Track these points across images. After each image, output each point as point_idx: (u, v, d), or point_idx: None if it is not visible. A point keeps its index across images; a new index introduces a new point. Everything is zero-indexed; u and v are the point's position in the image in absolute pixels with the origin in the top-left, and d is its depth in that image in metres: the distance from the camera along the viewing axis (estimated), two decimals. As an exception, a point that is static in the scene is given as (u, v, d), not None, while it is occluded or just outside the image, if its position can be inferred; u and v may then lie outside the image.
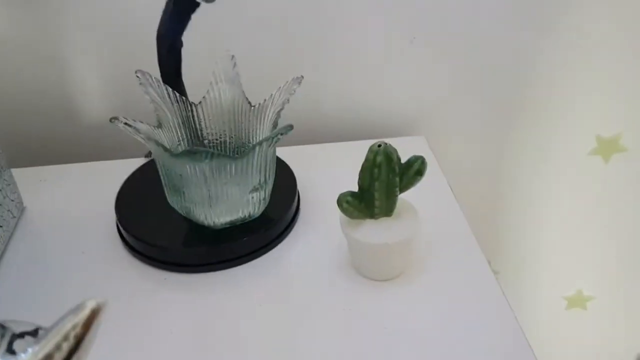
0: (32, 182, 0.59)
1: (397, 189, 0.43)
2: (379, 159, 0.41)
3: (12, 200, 0.54)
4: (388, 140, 0.65)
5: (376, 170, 0.41)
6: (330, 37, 0.63)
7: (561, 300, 0.88)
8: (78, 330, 0.19)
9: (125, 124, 0.41)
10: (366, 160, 0.41)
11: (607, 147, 0.72)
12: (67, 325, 0.19)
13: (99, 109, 0.66)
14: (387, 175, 0.41)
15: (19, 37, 0.60)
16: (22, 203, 0.56)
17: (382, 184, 0.42)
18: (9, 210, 0.53)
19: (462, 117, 0.70)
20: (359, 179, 0.42)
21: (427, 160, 0.64)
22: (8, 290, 0.48)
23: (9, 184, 0.53)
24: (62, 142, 0.67)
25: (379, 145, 0.41)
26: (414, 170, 0.43)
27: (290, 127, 0.42)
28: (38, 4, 0.58)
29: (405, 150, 0.63)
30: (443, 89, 0.67)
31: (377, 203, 0.43)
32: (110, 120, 0.41)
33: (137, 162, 0.60)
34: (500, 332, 0.43)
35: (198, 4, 0.43)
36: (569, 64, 0.66)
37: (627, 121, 0.70)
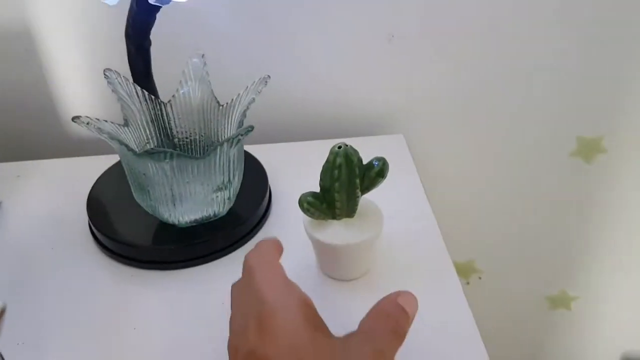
0: (9, 177, 0.60)
1: (358, 190, 0.43)
2: (339, 160, 0.41)
3: (-13, 195, 0.54)
4: (366, 139, 0.66)
5: (336, 172, 0.41)
6: (307, 35, 0.63)
7: (544, 300, 0.88)
8: None
9: (88, 123, 0.42)
10: (327, 161, 0.41)
11: (589, 149, 0.71)
12: None
13: (77, 104, 0.66)
14: (347, 176, 0.41)
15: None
16: (-3, 197, 0.57)
17: (343, 185, 0.42)
18: (-18, 205, 0.53)
19: (441, 116, 0.69)
20: (320, 180, 0.43)
21: (403, 159, 0.65)
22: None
23: (-17, 179, 0.54)
24: (40, 137, 0.68)
25: (339, 147, 0.41)
26: (375, 171, 0.43)
27: (251, 128, 0.42)
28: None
29: (382, 148, 0.64)
30: (422, 87, 0.67)
31: (338, 204, 0.43)
32: (73, 120, 0.42)
33: (115, 158, 0.60)
34: (457, 330, 0.43)
35: (159, 6, 0.43)
36: (549, 62, 0.66)
37: (610, 124, 0.70)
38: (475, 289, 0.86)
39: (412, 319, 0.31)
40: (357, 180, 0.42)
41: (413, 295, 0.32)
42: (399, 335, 0.30)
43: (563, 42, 0.64)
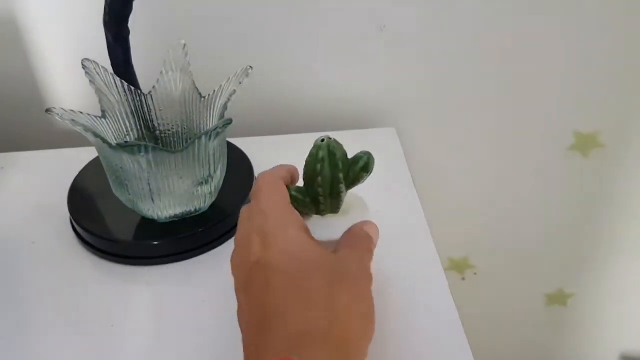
0: (-8, 170, 0.59)
1: (342, 185, 0.41)
2: (322, 153, 0.39)
3: (-34, 188, 0.53)
4: (357, 132, 0.65)
5: (319, 166, 0.40)
6: (296, 25, 0.61)
7: (541, 297, 0.87)
8: None
9: (62, 115, 0.41)
10: (309, 155, 0.40)
11: (586, 143, 0.70)
12: None
13: (62, 96, 0.65)
14: (330, 170, 0.40)
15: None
16: (-22, 191, 0.55)
17: (326, 180, 0.40)
18: (-39, 199, 0.52)
19: (434, 109, 0.68)
20: (303, 173, 0.41)
21: (394, 153, 0.63)
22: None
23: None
24: (24, 129, 0.67)
25: (322, 140, 0.39)
26: (359, 166, 0.41)
27: (230, 121, 0.41)
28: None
29: (373, 141, 0.62)
30: (415, 79, 0.66)
31: (321, 199, 0.41)
32: (46, 111, 0.41)
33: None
34: (441, 326, 0.42)
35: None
36: (547, 57, 0.64)
37: (605, 118, 0.68)
38: (471, 284, 0.85)
39: (376, 242, 0.38)
40: (341, 175, 0.40)
41: (375, 224, 0.38)
42: (370, 250, 0.37)
43: (559, 36, 0.62)
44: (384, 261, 0.47)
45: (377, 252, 0.48)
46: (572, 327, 0.90)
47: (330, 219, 0.43)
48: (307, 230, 0.35)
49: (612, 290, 0.85)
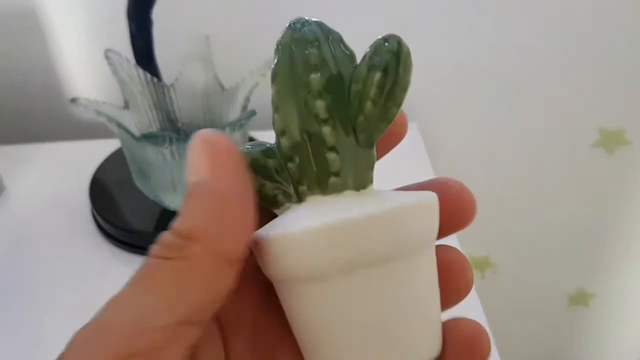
0: (13, 160, 0.59)
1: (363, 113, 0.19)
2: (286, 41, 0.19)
3: (-11, 179, 0.53)
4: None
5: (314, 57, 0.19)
6: (318, 15, 0.60)
7: (563, 296, 0.85)
8: None
9: (86, 105, 0.40)
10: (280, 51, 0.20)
11: (611, 140, 0.68)
12: None
13: (82, 86, 0.65)
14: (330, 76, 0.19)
15: None
16: (1, 182, 0.56)
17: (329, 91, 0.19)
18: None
19: (457, 104, 0.67)
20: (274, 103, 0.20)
21: (416, 148, 0.62)
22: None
23: (-14, 162, 0.53)
24: (44, 120, 0.67)
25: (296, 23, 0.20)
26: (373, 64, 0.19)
27: (253, 112, 0.40)
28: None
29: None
30: (439, 74, 0.65)
31: (328, 138, 0.19)
32: (71, 101, 0.41)
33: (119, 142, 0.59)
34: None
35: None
36: (572, 51, 0.63)
37: (631, 115, 0.67)
38: (491, 283, 0.84)
39: None
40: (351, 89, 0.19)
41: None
42: None
43: (584, 30, 0.61)
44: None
45: None
46: (594, 327, 0.89)
47: (346, 200, 0.19)
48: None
49: (634, 290, 0.84)
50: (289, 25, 0.19)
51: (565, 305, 0.86)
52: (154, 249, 0.17)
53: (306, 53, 0.19)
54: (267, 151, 0.19)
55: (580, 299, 0.85)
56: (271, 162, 0.19)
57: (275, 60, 0.19)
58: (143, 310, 0.16)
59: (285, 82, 0.19)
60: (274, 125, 0.19)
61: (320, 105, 0.19)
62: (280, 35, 0.19)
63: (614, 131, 0.68)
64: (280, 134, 0.19)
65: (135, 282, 0.17)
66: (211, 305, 0.17)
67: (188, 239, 0.16)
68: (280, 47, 0.19)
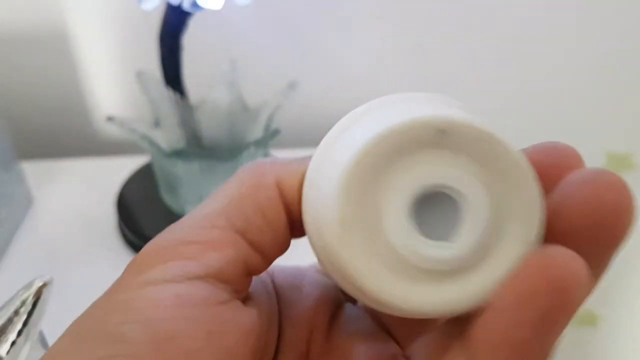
0: (43, 176, 0.61)
1: None
2: None
3: (20, 193, 0.56)
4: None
5: None
6: (336, 42, 0.63)
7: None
8: (28, 305, 0.21)
9: (122, 123, 0.43)
10: None
11: (619, 164, 0.70)
12: (17, 302, 0.21)
13: (108, 105, 0.68)
14: None
15: (30, 30, 0.63)
16: (30, 195, 0.58)
17: None
18: (16, 202, 0.55)
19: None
20: None
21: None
22: (11, 280, 0.50)
23: (18, 176, 0.55)
24: (74, 136, 0.69)
25: None
26: None
27: (277, 131, 0.43)
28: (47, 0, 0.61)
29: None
30: (449, 95, 0.67)
31: None
32: (107, 120, 0.43)
33: (143, 160, 0.62)
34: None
35: (190, 13, 0.44)
36: (580, 74, 0.65)
37: (638, 139, 0.69)
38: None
39: None
40: None
41: None
42: None
43: (593, 54, 0.64)
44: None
45: None
46: (601, 348, 0.90)
47: None
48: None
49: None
50: None
51: (572, 326, 0.87)
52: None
53: None
54: None
55: (588, 320, 0.86)
56: None
57: None
58: (207, 211, 0.18)
59: None
60: None
61: None
62: None
63: (621, 155, 0.70)
64: None
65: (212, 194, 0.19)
66: (269, 241, 0.18)
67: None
68: None
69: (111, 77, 0.66)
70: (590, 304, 0.75)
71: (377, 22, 0.62)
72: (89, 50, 0.64)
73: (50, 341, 0.43)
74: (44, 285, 0.21)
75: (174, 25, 0.47)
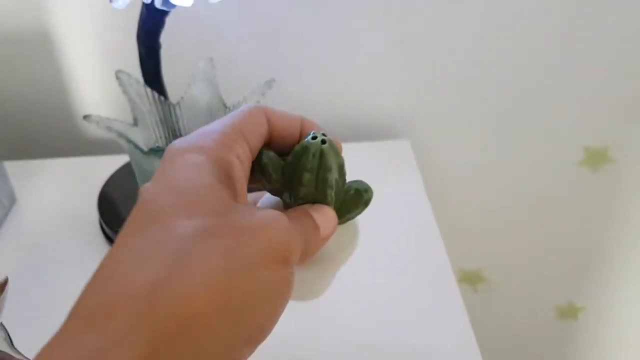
0: (26, 175, 0.62)
1: (331, 191, 0.27)
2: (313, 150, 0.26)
3: (3, 191, 0.56)
4: (371, 144, 0.67)
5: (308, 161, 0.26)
6: (314, 40, 0.64)
7: (553, 310, 0.88)
8: None
9: (98, 122, 0.43)
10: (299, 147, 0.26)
11: (596, 158, 0.71)
12: None
13: (91, 105, 0.68)
14: (318, 172, 0.26)
15: (13, 31, 0.63)
16: (13, 194, 0.59)
17: (311, 176, 0.26)
18: (0, 201, 0.55)
19: (448, 122, 0.70)
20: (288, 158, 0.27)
21: (408, 165, 0.65)
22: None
23: (1, 176, 0.56)
24: (54, 137, 0.70)
25: (315, 138, 0.26)
26: (363, 197, 0.28)
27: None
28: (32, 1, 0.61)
29: (387, 153, 0.65)
30: (431, 93, 0.68)
31: (303, 189, 0.26)
32: (84, 118, 0.44)
33: (126, 158, 0.62)
34: (455, 340, 0.44)
35: (166, 11, 0.45)
36: (558, 71, 0.66)
37: (615, 133, 0.70)
38: (484, 297, 0.86)
39: (325, 235, 0.26)
40: (333, 181, 0.26)
41: (333, 215, 0.27)
42: (310, 236, 0.25)
43: (570, 51, 0.65)
44: (397, 273, 0.49)
45: (391, 264, 0.50)
46: (583, 341, 0.91)
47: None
48: (226, 167, 0.24)
49: (622, 304, 0.86)
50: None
51: (555, 318, 0.88)
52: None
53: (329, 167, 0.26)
54: (272, 160, 0.27)
55: (569, 313, 0.87)
56: (273, 163, 0.27)
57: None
58: (225, 121, 0.26)
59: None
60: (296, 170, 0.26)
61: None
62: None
63: (598, 149, 0.71)
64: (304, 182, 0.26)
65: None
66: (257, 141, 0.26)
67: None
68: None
69: (94, 76, 0.67)
70: (572, 296, 0.76)
71: (359, 20, 0.63)
72: (71, 50, 0.65)
73: (26, 339, 0.44)
74: (3, 283, 0.22)
75: (151, 25, 0.47)
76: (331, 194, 0.27)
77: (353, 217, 0.29)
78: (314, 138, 0.26)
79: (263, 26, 0.63)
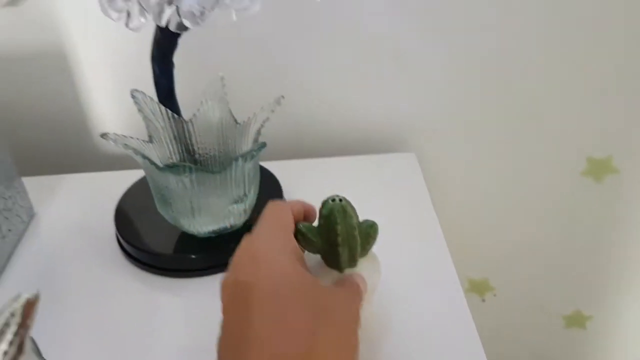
0: (44, 191, 0.64)
1: (358, 241, 0.37)
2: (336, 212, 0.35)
3: (22, 207, 0.58)
4: (377, 157, 0.68)
5: (337, 223, 0.35)
6: (318, 56, 0.66)
7: (560, 319, 0.88)
8: (17, 317, 0.23)
9: (115, 139, 0.45)
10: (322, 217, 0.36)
11: (599, 168, 0.72)
12: (6, 314, 0.23)
13: (106, 122, 0.70)
14: (345, 227, 0.36)
15: (32, 50, 0.66)
16: (32, 209, 0.61)
17: (342, 233, 0.36)
18: (18, 216, 0.57)
19: (453, 135, 0.72)
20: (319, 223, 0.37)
21: (414, 178, 0.66)
22: (14, 291, 0.52)
23: (19, 192, 0.58)
24: (74, 153, 0.72)
25: (333, 200, 0.36)
26: (372, 230, 0.38)
27: (264, 144, 0.45)
28: (49, 20, 0.64)
29: (393, 166, 0.66)
30: (435, 105, 0.69)
31: (339, 249, 0.36)
32: (101, 136, 0.46)
33: (141, 173, 0.64)
34: (461, 348, 0.45)
35: (179, 33, 0.47)
36: (561, 82, 0.67)
37: (618, 144, 0.71)
38: (491, 306, 0.87)
39: (364, 293, 0.36)
40: (356, 232, 0.37)
41: (363, 277, 0.37)
42: (359, 294, 0.35)
43: (573, 61, 0.66)
44: (405, 285, 0.50)
45: (400, 276, 0.51)
46: (591, 350, 0.91)
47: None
48: (301, 259, 0.35)
49: (630, 313, 0.87)
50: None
51: (562, 327, 0.89)
52: None
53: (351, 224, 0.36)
54: (309, 228, 0.38)
55: (577, 322, 0.88)
56: (310, 234, 0.37)
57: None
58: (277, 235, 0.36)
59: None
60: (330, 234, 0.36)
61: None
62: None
63: (601, 159, 0.72)
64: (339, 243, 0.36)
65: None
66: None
67: None
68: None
69: (110, 95, 0.69)
70: (580, 305, 0.77)
71: (355, 34, 0.64)
72: (88, 69, 0.67)
73: (47, 350, 0.46)
74: (34, 297, 0.24)
75: (164, 45, 0.50)
76: (356, 234, 0.36)
77: (370, 248, 0.38)
78: (333, 200, 0.35)
79: (269, 48, 0.65)
